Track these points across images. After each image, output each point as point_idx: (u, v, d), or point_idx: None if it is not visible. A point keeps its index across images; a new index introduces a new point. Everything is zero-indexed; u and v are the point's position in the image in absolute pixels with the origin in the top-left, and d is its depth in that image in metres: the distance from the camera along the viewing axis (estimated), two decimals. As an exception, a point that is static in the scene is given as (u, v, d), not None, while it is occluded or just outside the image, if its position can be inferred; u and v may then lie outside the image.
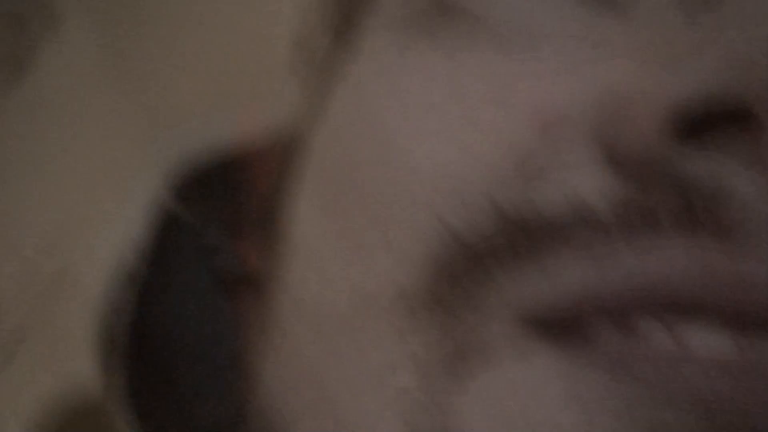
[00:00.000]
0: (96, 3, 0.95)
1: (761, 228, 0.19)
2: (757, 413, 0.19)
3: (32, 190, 0.44)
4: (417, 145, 0.22)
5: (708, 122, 0.20)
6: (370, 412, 0.22)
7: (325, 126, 0.27)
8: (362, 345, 0.22)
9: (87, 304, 0.33)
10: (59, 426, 0.33)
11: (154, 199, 0.33)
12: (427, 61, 0.23)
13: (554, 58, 0.22)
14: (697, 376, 0.19)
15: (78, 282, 0.36)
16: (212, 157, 0.39)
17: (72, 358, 0.34)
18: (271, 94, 0.36)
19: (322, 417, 0.23)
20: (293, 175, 0.29)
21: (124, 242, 0.32)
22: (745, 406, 0.19)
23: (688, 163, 0.20)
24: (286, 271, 0.26)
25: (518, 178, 0.21)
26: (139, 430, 0.30)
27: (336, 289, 0.23)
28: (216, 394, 0.29)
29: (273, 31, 0.39)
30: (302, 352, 0.24)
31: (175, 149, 0.38)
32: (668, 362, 0.19)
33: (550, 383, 0.19)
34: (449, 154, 0.22)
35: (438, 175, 0.22)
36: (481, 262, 0.20)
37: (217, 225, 0.33)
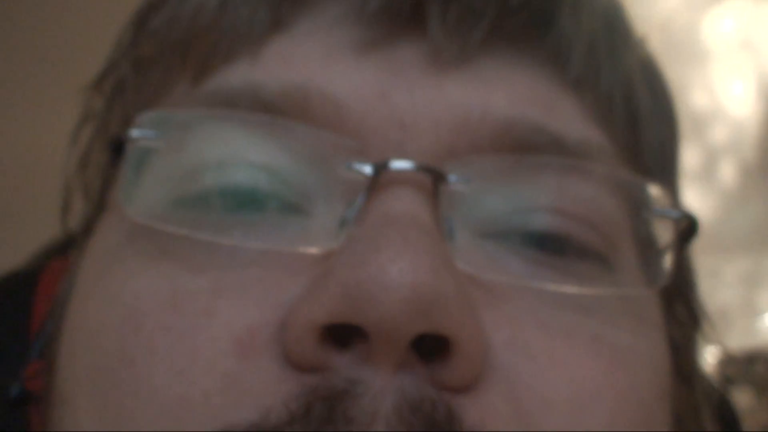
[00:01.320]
0: None
1: (379, 413, 0.24)
2: None
3: None
4: (148, 367, 0.26)
5: (343, 333, 0.25)
6: None
7: (79, 300, 0.31)
8: None
9: None
10: None
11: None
12: (148, 277, 0.28)
13: (246, 277, 0.27)
14: None
15: None
16: (4, 284, 0.42)
17: None
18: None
19: None
20: (59, 317, 0.32)
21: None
22: None
23: (335, 364, 0.25)
24: (56, 410, 0.30)
25: (223, 399, 0.25)
26: None
27: None
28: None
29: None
30: None
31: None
32: None
33: None
34: (169, 380, 0.26)
35: (160, 399, 0.26)
36: None
37: (9, 356, 0.37)
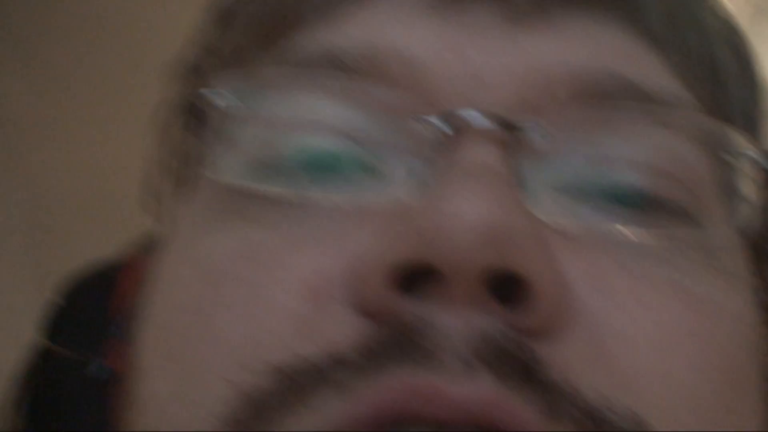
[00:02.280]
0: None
1: (454, 350, 0.24)
2: None
3: None
4: (221, 317, 0.26)
5: (415, 278, 0.24)
6: None
7: (163, 263, 0.31)
8: None
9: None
10: None
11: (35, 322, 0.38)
12: (226, 236, 0.28)
13: (320, 231, 0.27)
14: None
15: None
16: (87, 272, 0.43)
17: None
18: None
19: None
20: (143, 295, 0.32)
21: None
22: None
23: (406, 307, 0.24)
24: (132, 380, 0.30)
25: (294, 337, 0.25)
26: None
27: (159, 410, 0.27)
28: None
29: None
30: None
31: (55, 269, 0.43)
32: None
33: None
34: (240, 325, 0.26)
35: (229, 343, 0.26)
36: (261, 410, 0.25)
37: (91, 336, 0.38)
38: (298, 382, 0.25)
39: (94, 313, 0.39)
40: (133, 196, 0.41)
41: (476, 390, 0.23)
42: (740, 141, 0.30)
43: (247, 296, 0.26)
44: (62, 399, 0.36)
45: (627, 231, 0.27)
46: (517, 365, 0.24)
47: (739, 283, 0.30)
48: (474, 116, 0.27)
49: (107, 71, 1.00)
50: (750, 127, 0.33)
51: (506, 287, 0.24)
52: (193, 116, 0.31)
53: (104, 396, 0.35)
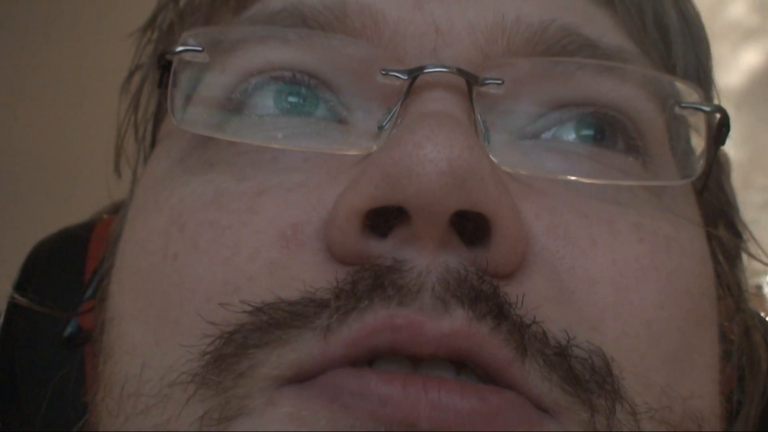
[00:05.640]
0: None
1: (429, 289, 0.25)
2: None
3: None
4: (191, 259, 0.27)
5: (386, 221, 0.25)
6: None
7: (131, 214, 0.32)
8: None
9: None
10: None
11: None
12: (196, 184, 0.29)
13: (289, 180, 0.28)
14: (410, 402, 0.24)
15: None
16: (60, 237, 0.44)
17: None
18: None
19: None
20: (112, 253, 0.34)
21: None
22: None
23: (380, 250, 0.25)
24: (105, 332, 0.31)
25: (271, 281, 0.26)
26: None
27: (137, 354, 0.28)
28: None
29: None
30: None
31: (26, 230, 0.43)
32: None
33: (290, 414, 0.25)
34: (214, 268, 0.27)
35: (206, 285, 0.26)
36: (244, 347, 0.25)
37: (64, 298, 0.38)
38: (278, 321, 0.25)
39: (69, 278, 0.39)
40: (105, 162, 0.42)
41: (452, 325, 0.24)
42: (691, 95, 0.31)
43: (217, 240, 0.27)
44: (39, 361, 0.37)
45: (581, 177, 0.28)
46: (491, 304, 0.25)
47: (693, 229, 0.31)
48: (434, 67, 0.28)
49: (72, 38, 0.99)
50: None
51: (471, 227, 0.25)
52: (166, 71, 0.31)
53: (81, 357, 0.36)
